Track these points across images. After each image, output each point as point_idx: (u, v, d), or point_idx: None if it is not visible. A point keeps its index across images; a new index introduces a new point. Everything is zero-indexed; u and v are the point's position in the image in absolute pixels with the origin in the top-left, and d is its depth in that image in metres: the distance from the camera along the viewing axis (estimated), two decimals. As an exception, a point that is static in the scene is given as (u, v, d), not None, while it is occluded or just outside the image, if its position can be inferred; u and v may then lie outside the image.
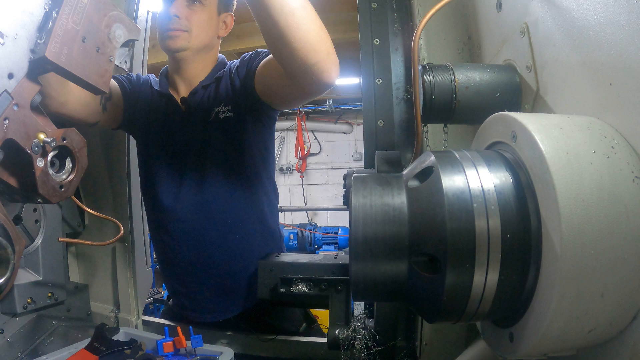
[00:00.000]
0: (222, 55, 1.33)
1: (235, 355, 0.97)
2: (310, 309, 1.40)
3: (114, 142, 1.44)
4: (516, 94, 0.71)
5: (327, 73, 0.93)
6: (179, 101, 1.26)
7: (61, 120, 1.04)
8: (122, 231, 1.24)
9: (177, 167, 1.23)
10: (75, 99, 1.04)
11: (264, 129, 1.24)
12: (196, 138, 1.21)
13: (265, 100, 1.16)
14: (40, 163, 0.64)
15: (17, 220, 1.12)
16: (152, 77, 1.34)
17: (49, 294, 1.21)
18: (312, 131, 6.90)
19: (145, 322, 1.38)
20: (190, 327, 0.93)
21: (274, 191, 1.33)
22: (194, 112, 1.22)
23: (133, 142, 1.48)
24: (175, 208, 1.22)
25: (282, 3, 0.84)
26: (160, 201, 1.24)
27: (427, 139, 0.91)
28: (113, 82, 1.23)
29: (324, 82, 0.94)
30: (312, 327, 1.36)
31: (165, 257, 1.29)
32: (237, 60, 1.26)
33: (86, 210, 1.29)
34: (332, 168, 6.95)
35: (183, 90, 1.27)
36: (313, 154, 7.01)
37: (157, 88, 1.28)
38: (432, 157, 0.54)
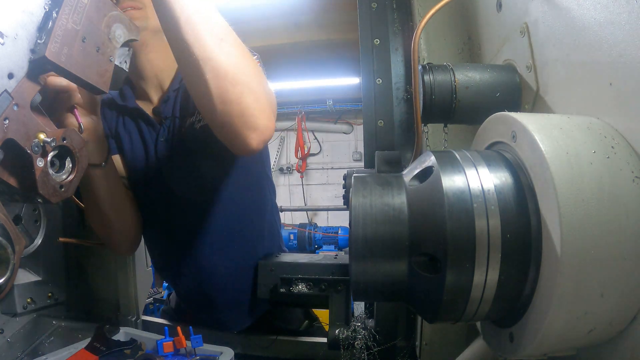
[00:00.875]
0: None
1: (235, 355, 0.97)
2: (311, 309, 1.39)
3: (114, 142, 1.44)
4: (516, 94, 0.71)
5: (245, 137, 0.76)
6: (150, 113, 1.04)
7: None
8: None
9: (171, 191, 1.06)
10: None
11: None
12: (182, 150, 1.03)
13: None
14: (40, 163, 0.64)
15: (17, 220, 1.12)
16: (113, 93, 1.09)
17: (49, 294, 1.21)
18: (312, 131, 6.90)
19: (145, 322, 1.38)
20: (190, 327, 0.93)
21: (273, 192, 1.26)
22: (171, 125, 1.03)
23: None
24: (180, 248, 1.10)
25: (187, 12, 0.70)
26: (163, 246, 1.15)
27: (427, 139, 0.91)
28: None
29: (242, 148, 0.80)
30: (313, 325, 1.34)
31: (170, 273, 1.23)
32: None
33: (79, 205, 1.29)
34: (332, 168, 6.95)
35: (153, 93, 1.05)
36: (313, 154, 7.01)
37: (121, 102, 1.06)
38: (432, 157, 0.54)
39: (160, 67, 1.03)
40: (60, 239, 1.20)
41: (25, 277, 1.17)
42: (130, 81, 1.09)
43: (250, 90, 0.76)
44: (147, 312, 1.48)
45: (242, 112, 0.76)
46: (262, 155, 1.16)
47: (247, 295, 1.10)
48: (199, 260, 1.09)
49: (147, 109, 1.06)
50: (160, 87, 1.05)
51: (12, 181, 0.64)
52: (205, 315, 1.21)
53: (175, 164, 1.03)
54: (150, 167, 1.05)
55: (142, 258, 1.44)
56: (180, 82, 1.03)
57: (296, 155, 6.92)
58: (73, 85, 0.75)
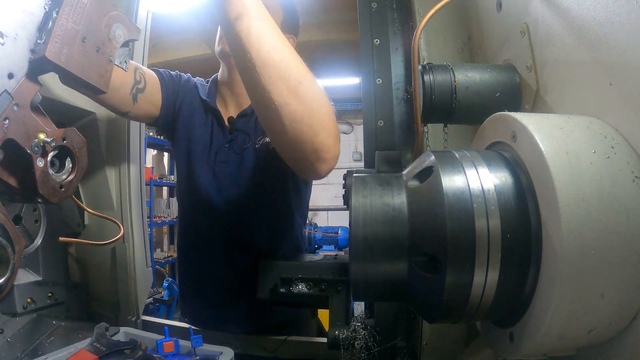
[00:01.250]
0: None
1: (235, 355, 0.97)
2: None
3: (115, 142, 1.44)
4: (516, 94, 0.71)
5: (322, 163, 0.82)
6: (225, 120, 1.20)
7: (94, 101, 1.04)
8: (122, 231, 1.24)
9: (218, 188, 1.19)
10: None
11: None
12: (236, 162, 1.17)
13: None
14: (40, 163, 0.64)
15: (17, 220, 1.12)
16: (198, 82, 1.25)
17: (49, 294, 1.21)
18: (312, 131, 6.89)
19: (145, 322, 1.38)
20: (190, 327, 0.93)
21: (302, 231, 1.35)
22: (239, 136, 1.18)
23: (133, 142, 1.48)
24: (211, 231, 1.21)
25: (265, 49, 0.69)
26: (197, 222, 1.24)
27: (427, 139, 0.91)
28: (150, 73, 1.12)
29: (311, 176, 0.91)
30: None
31: (194, 274, 1.29)
32: None
33: (86, 210, 1.29)
34: (332, 168, 6.94)
35: (232, 107, 1.22)
36: (313, 154, 7.00)
37: (204, 97, 1.21)
38: (432, 157, 0.54)
39: (243, 89, 1.09)
40: (60, 239, 1.20)
41: (25, 277, 1.17)
42: (216, 81, 1.25)
43: (323, 129, 0.78)
44: (147, 312, 1.48)
45: (315, 149, 0.79)
46: (297, 191, 1.27)
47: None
48: (234, 263, 1.20)
49: (224, 113, 1.21)
50: (240, 103, 1.21)
51: (12, 181, 0.64)
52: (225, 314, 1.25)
53: (237, 173, 1.16)
54: (207, 166, 1.19)
55: (142, 258, 1.44)
56: None
57: (296, 155, 6.91)
58: None
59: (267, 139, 1.14)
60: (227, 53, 1.09)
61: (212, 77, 1.27)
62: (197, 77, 1.29)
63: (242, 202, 1.17)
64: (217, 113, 1.20)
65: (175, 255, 6.41)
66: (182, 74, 1.29)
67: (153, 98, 1.15)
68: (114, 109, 1.09)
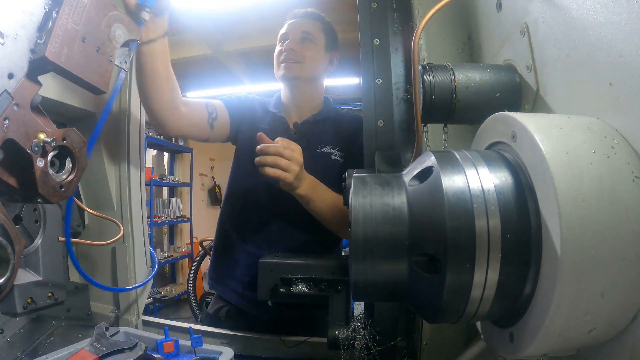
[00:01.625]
0: (326, 97, 1.54)
1: (235, 355, 0.97)
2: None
3: (115, 141, 1.44)
4: (516, 94, 0.71)
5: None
6: (290, 125, 1.45)
7: (177, 136, 1.22)
8: (122, 231, 1.24)
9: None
10: (186, 123, 1.30)
11: None
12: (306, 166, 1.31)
13: None
14: (40, 163, 0.64)
15: (17, 220, 1.12)
16: (260, 100, 1.55)
17: (49, 294, 1.21)
18: (312, 131, 6.90)
19: (145, 322, 1.38)
20: (190, 327, 0.92)
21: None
22: (302, 138, 1.35)
23: (133, 142, 1.48)
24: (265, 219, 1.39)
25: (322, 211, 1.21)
26: (251, 210, 1.42)
27: (427, 139, 0.91)
28: (218, 102, 1.43)
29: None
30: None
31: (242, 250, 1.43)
32: (346, 111, 1.54)
33: (86, 210, 1.29)
34: (332, 168, 6.93)
35: (294, 115, 1.47)
36: (313, 154, 7.01)
37: (271, 110, 1.48)
38: (432, 157, 0.54)
39: (305, 100, 1.47)
40: (60, 239, 1.20)
41: (25, 277, 1.17)
42: (279, 97, 1.52)
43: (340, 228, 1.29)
44: (147, 312, 1.49)
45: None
46: None
47: None
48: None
49: (288, 120, 1.46)
50: (301, 111, 1.47)
51: (12, 181, 0.64)
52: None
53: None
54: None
55: (142, 258, 1.44)
56: (325, 115, 1.47)
57: (296, 155, 6.91)
58: None
59: (327, 149, 1.39)
60: (288, 77, 1.41)
61: (276, 95, 1.55)
62: (256, 95, 1.58)
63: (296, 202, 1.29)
64: (282, 120, 1.45)
65: (175, 255, 6.41)
66: (252, 97, 1.56)
67: (224, 121, 1.43)
68: (197, 138, 1.42)
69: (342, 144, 1.40)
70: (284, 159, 1.08)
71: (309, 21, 1.45)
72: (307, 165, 1.22)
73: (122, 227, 1.23)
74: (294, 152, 1.11)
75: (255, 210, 1.41)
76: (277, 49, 1.45)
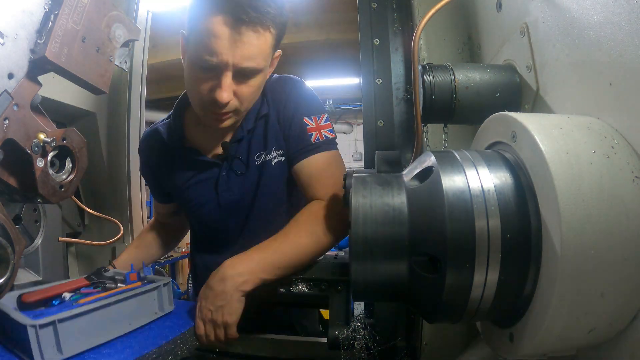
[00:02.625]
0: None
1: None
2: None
3: (114, 141, 1.45)
4: (516, 94, 0.71)
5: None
6: (210, 154, 1.10)
7: None
8: (122, 231, 1.24)
9: (227, 226, 1.15)
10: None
11: None
12: (244, 185, 1.09)
13: None
14: (40, 163, 0.64)
15: (17, 220, 1.12)
16: (162, 129, 1.13)
17: (49, 294, 1.21)
18: (312, 131, 6.90)
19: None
20: (143, 262, 1.06)
21: None
22: (239, 157, 1.07)
23: (133, 142, 1.48)
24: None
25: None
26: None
27: (427, 139, 0.91)
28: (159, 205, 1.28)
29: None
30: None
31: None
32: (279, 90, 1.07)
33: (86, 210, 1.29)
34: (332, 168, 6.92)
35: (214, 142, 1.10)
36: (313, 154, 7.00)
37: (173, 144, 1.10)
38: (432, 157, 0.54)
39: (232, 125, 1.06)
40: (60, 239, 1.20)
41: (25, 277, 1.17)
42: (177, 119, 1.12)
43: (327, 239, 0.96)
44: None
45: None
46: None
47: None
48: None
49: (210, 144, 1.10)
50: (216, 132, 1.08)
51: (12, 181, 0.64)
52: None
53: (242, 194, 1.10)
54: (213, 198, 1.12)
55: (142, 258, 1.44)
56: (254, 122, 1.07)
57: (296, 155, 6.91)
58: None
59: (263, 158, 1.08)
60: (220, 129, 1.02)
61: (171, 120, 1.13)
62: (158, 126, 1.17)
63: (244, 222, 1.14)
64: (194, 152, 1.10)
65: (175, 255, 6.40)
66: (145, 135, 1.22)
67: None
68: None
69: (272, 136, 1.06)
70: (209, 321, 0.87)
71: (258, 34, 0.86)
72: (247, 190, 1.07)
73: (122, 227, 1.23)
74: (204, 307, 0.88)
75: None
76: (199, 85, 0.92)
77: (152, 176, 1.20)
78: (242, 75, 0.89)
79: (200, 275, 1.23)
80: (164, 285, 0.94)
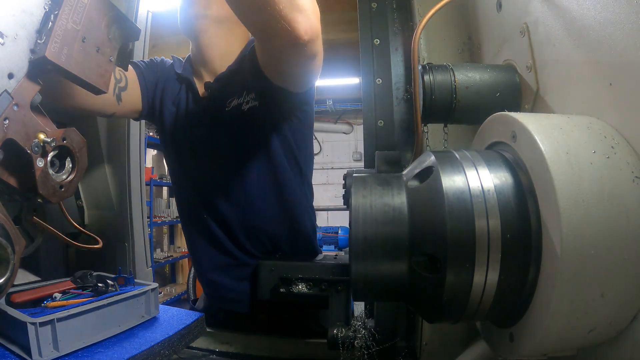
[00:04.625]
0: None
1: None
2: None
3: (115, 142, 1.45)
4: (516, 94, 0.71)
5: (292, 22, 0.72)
6: (199, 88, 1.08)
7: (76, 113, 1.02)
8: (100, 244, 1.22)
9: (203, 168, 1.10)
10: (82, 91, 0.81)
11: (293, 122, 1.06)
12: (217, 133, 1.05)
13: (275, 82, 0.97)
14: (40, 163, 0.64)
15: (17, 220, 1.12)
16: (175, 59, 1.16)
17: (49, 294, 1.21)
18: (312, 131, 6.91)
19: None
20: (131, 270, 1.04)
21: (311, 194, 1.18)
22: (214, 101, 1.05)
23: (133, 142, 1.48)
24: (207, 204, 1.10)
25: None
26: (191, 200, 1.14)
27: (427, 139, 0.91)
28: (130, 69, 1.05)
29: (288, 39, 0.75)
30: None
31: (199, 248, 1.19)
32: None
33: (70, 222, 1.28)
34: (332, 168, 6.94)
35: (207, 76, 1.09)
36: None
37: (178, 71, 1.11)
38: (432, 157, 0.54)
39: (218, 53, 1.07)
40: (35, 219, 1.19)
41: (25, 277, 1.17)
42: (190, 59, 1.13)
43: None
44: (147, 312, 1.48)
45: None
46: (294, 155, 1.12)
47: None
48: (223, 212, 1.09)
49: (199, 83, 1.10)
50: (216, 71, 1.08)
51: (12, 181, 0.64)
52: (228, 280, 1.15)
53: (215, 136, 1.06)
54: (186, 132, 1.10)
55: (142, 258, 1.44)
56: (237, 63, 1.05)
57: (296, 155, 6.91)
58: None
59: (235, 102, 1.02)
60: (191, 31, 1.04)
61: (187, 56, 1.16)
62: (174, 56, 1.18)
63: (216, 175, 1.08)
64: (189, 82, 1.09)
65: (175, 255, 6.41)
66: (160, 58, 1.19)
67: (135, 92, 1.09)
68: (100, 114, 1.08)
69: (254, 79, 0.99)
70: None
71: None
72: (222, 130, 1.03)
73: (100, 242, 1.21)
74: None
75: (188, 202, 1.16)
76: None
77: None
78: None
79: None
80: (152, 290, 0.96)
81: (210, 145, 1.07)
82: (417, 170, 0.55)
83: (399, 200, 0.53)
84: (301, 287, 0.92)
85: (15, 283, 1.11)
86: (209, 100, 1.06)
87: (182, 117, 1.10)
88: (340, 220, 6.55)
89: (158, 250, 6.25)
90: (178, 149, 1.14)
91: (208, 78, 1.09)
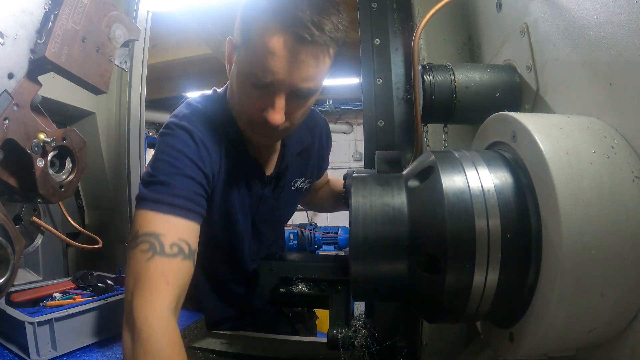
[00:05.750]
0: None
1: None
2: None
3: (115, 142, 1.45)
4: (516, 94, 0.71)
5: None
6: (268, 171, 1.04)
7: None
8: (101, 244, 1.23)
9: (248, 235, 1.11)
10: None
11: None
12: (274, 206, 1.11)
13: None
14: (40, 163, 0.64)
15: (17, 220, 1.12)
16: (204, 131, 0.89)
17: (49, 294, 1.21)
18: (312, 131, 6.90)
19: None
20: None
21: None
22: (279, 183, 1.07)
23: (133, 142, 1.48)
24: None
25: None
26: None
27: (427, 139, 0.91)
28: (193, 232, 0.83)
29: None
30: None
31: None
32: (322, 123, 1.22)
33: (69, 222, 1.28)
34: (332, 168, 6.90)
35: (265, 153, 1.03)
36: (313, 154, 7.01)
37: (243, 152, 0.97)
38: (432, 157, 0.54)
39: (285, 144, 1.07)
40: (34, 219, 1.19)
41: (25, 277, 1.17)
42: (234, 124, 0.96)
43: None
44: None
45: None
46: None
47: None
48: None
49: (263, 160, 1.03)
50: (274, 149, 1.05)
51: (12, 181, 0.64)
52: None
53: (276, 209, 1.14)
54: (247, 218, 1.07)
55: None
56: (304, 145, 1.10)
57: (296, 155, 6.91)
58: None
59: (299, 183, 1.16)
60: (267, 145, 0.99)
61: (231, 121, 0.96)
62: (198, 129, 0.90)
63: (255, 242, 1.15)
64: (259, 168, 1.01)
65: (175, 255, 6.38)
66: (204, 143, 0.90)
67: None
68: None
69: (311, 166, 1.18)
70: None
71: (318, 54, 0.79)
72: (283, 207, 1.14)
73: (100, 242, 1.22)
74: None
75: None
76: (249, 101, 0.84)
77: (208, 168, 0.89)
78: (296, 95, 0.82)
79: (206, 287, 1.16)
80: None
81: (271, 216, 1.13)
82: (417, 170, 0.55)
83: (399, 200, 0.53)
84: (301, 287, 0.92)
85: (15, 283, 1.11)
86: (276, 185, 1.08)
87: (244, 195, 1.02)
88: (340, 220, 6.54)
89: (158, 250, 6.23)
90: (230, 216, 1.02)
91: (264, 153, 1.02)
